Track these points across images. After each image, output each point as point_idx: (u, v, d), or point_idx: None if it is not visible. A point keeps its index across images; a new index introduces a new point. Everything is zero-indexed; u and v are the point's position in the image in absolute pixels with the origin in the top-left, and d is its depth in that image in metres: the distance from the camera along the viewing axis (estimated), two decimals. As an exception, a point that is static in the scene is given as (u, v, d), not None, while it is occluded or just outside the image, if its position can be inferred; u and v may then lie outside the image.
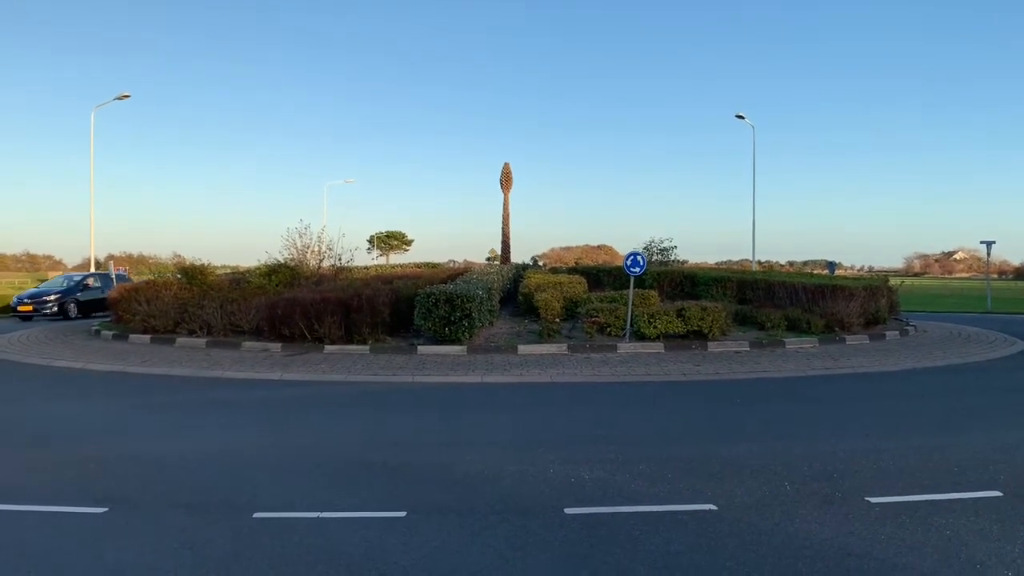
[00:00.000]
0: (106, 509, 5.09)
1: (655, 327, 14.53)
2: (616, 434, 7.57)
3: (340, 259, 22.30)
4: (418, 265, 38.41)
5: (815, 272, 41.01)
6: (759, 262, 37.75)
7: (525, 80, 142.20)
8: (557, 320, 15.74)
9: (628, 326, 14.81)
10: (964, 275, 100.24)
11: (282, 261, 20.72)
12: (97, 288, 25.83)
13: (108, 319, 19.65)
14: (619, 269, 24.78)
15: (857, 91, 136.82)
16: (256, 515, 4.97)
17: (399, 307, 15.22)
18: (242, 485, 5.74)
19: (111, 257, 71.79)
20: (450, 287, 14.55)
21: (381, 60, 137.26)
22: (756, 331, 16.09)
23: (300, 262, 20.98)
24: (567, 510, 5.04)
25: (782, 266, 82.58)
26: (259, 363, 12.70)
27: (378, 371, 11.78)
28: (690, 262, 35.56)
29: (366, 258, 76.27)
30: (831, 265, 43.48)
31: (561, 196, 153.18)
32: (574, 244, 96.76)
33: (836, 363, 12.64)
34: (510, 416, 8.74)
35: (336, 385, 10.84)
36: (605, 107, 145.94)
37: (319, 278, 19.87)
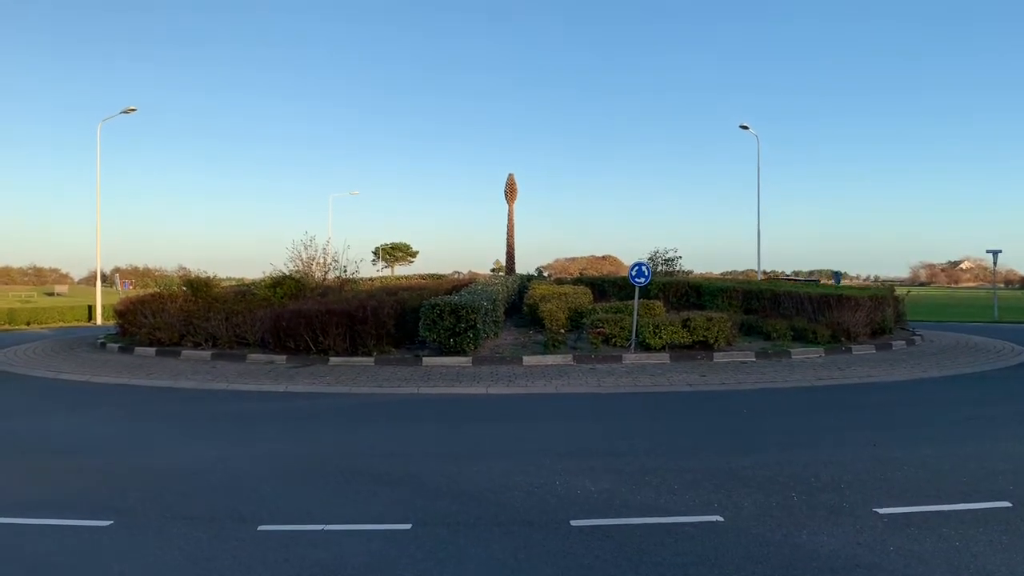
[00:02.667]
0: (111, 522, 5.09)
1: (660, 337, 14.50)
2: (621, 445, 7.54)
3: (345, 271, 22.39)
4: (423, 276, 38.45)
5: (821, 282, 40.92)
6: (764, 272, 37.69)
7: (530, 91, 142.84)
8: (562, 331, 15.72)
9: (633, 336, 14.78)
10: (970, 284, 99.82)
11: (287, 273, 20.80)
12: None
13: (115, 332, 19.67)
14: (624, 279, 24.74)
15: (861, 101, 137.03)
16: (261, 527, 4.96)
17: (404, 319, 15.23)
18: (246, 497, 5.73)
19: (117, 270, 72.17)
20: (455, 298, 14.56)
21: (385, 71, 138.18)
22: (762, 341, 16.04)
23: (305, 274, 21.06)
24: (572, 521, 5.01)
25: (787, 276, 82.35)
26: (264, 375, 12.71)
27: (383, 383, 11.78)
28: (695, 272, 35.47)
29: (371, 270, 76.55)
30: (836, 275, 43.46)
31: (566, 207, 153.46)
32: (579, 255, 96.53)
33: (843, 373, 12.58)
34: (515, 427, 8.72)
35: (341, 397, 10.84)
36: (610, 118, 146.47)
37: (324, 290, 19.92)
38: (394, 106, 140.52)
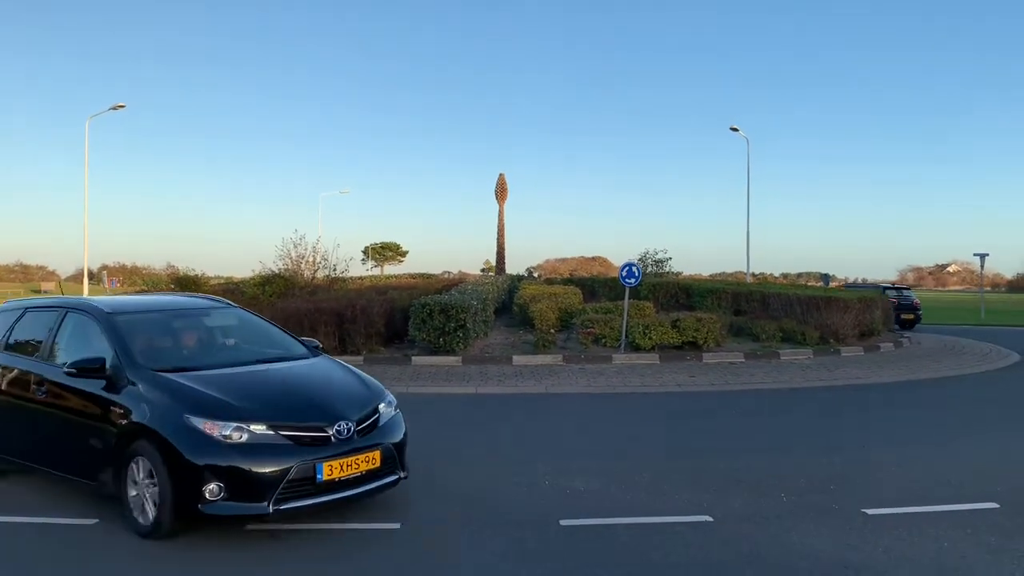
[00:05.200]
0: (96, 520, 5.02)
1: (650, 338, 14.51)
2: (611, 445, 7.53)
3: (335, 270, 22.28)
4: (413, 276, 38.43)
5: (809, 284, 41.13)
6: (753, 274, 37.85)
7: (520, 92, 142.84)
8: (552, 331, 15.71)
9: (623, 337, 14.79)
10: (957, 288, 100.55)
11: (276, 271, 20.69)
12: None
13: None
14: (614, 280, 24.80)
15: (852, 104, 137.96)
16: (249, 527, 4.91)
17: (393, 318, 15.17)
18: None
19: (105, 267, 71.55)
20: (445, 297, 14.52)
21: (375, 69, 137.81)
22: (751, 342, 16.09)
23: (294, 272, 20.95)
24: (562, 521, 4.99)
25: (776, 278, 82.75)
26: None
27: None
28: (685, 274, 35.60)
29: (361, 269, 76.22)
30: (825, 277, 43.61)
31: (556, 207, 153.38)
32: (569, 255, 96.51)
33: (831, 374, 12.64)
34: (504, 427, 8.70)
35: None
36: (600, 119, 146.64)
37: (313, 289, 19.84)
38: (385, 104, 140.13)
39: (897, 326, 21.40)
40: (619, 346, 14.78)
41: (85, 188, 31.60)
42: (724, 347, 15.20)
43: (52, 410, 5.25)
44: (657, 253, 34.23)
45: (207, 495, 4.29)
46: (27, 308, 6.24)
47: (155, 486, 4.42)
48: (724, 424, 8.85)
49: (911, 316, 23.29)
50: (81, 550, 4.56)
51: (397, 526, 4.91)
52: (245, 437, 4.40)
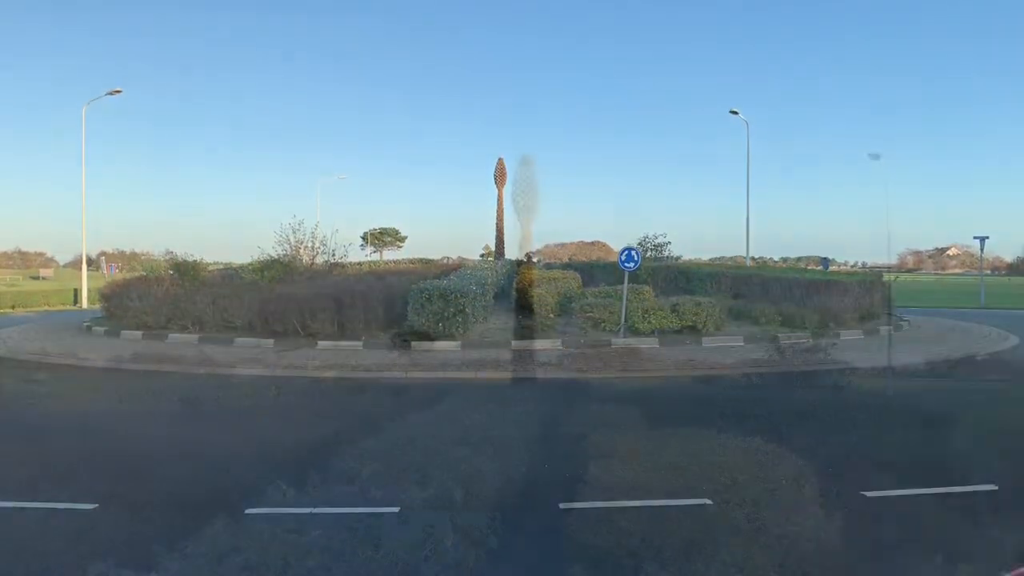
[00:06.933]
0: (95, 505, 5.03)
1: (649, 322, 14.50)
2: (609, 430, 7.53)
3: (333, 255, 22.23)
4: (412, 261, 38.20)
5: (809, 268, 41.09)
6: (753, 258, 37.75)
7: (518, 76, 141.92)
8: (551, 316, 15.70)
9: (622, 321, 14.78)
10: (957, 271, 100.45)
11: (275, 257, 20.63)
12: None
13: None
14: (613, 265, 24.70)
15: (850, 88, 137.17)
16: (248, 511, 4.92)
17: (392, 303, 15.14)
18: (233, 481, 5.69)
19: (103, 254, 71.39)
20: (443, 282, 14.50)
21: (374, 54, 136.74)
22: (750, 326, 16.07)
23: (293, 258, 20.89)
24: (561, 505, 5.00)
25: (776, 262, 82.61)
26: (251, 359, 12.61)
27: (371, 367, 11.72)
28: (684, 258, 35.38)
29: (360, 255, 75.85)
30: (824, 261, 43.55)
31: (555, 192, 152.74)
32: (568, 240, 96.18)
33: (831, 358, 12.63)
34: (503, 412, 8.70)
35: (329, 381, 10.78)
36: (599, 103, 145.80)
37: (312, 274, 19.80)
38: (383, 88, 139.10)
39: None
40: (618, 330, 14.77)
41: (83, 174, 31.41)
42: (723, 331, 15.19)
43: None
44: (656, 237, 34.03)
45: None
46: None
47: None
48: (723, 408, 8.85)
49: None
50: (79, 535, 4.57)
51: (396, 509, 4.91)
52: None
